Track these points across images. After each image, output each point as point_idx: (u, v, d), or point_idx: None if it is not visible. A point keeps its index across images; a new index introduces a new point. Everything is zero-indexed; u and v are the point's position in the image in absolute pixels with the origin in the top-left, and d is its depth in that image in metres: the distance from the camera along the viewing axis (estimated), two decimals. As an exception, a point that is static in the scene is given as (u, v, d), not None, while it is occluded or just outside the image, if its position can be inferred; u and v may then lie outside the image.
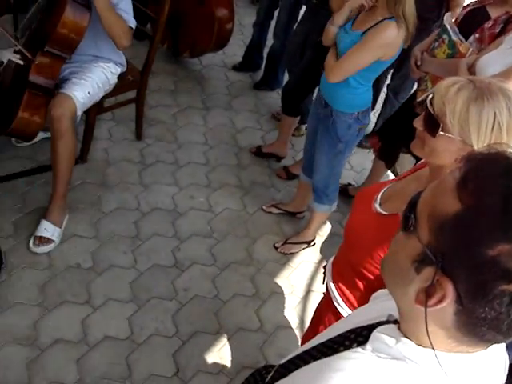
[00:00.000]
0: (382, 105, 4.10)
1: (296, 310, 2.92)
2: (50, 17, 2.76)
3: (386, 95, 4.00)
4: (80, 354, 2.49)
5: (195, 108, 4.18)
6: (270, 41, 4.39)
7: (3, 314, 2.58)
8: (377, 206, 1.58)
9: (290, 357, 1.16)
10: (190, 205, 3.37)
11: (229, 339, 2.70)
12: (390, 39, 2.37)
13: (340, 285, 1.77)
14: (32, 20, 2.82)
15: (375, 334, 0.96)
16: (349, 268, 1.69)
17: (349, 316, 1.47)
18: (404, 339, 0.91)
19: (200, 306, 2.82)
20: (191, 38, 4.31)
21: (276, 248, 3.22)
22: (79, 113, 2.90)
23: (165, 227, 3.19)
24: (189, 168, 3.64)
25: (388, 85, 3.99)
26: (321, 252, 3.29)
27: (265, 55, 4.52)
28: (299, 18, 3.80)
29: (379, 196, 1.61)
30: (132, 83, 3.44)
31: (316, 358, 1.03)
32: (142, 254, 3.00)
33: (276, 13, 4.24)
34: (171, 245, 3.10)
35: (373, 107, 3.72)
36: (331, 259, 1.90)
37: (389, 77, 3.90)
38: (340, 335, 1.04)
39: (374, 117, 4.10)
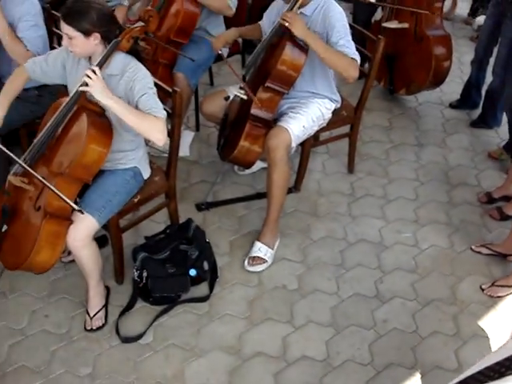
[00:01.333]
0: None
1: (499, 355, 2.79)
2: (272, 56, 3.04)
3: None
4: (278, 368, 2.65)
5: (408, 144, 4.21)
6: (488, 78, 4.28)
7: (213, 322, 2.85)
8: None
9: (455, 381, 1.17)
10: (396, 239, 3.40)
11: (423, 376, 2.66)
12: None
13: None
14: (256, 58, 3.11)
15: None
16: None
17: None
18: None
19: (397, 339, 2.82)
20: (408, 76, 4.36)
21: (482, 290, 3.11)
22: (294, 144, 3.12)
23: (369, 258, 3.26)
24: (398, 203, 3.67)
25: None
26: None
27: (483, 92, 4.41)
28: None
29: None
30: (346, 118, 3.59)
31: (482, 382, 1.04)
32: (345, 282, 3.10)
33: (495, 49, 4.13)
34: (374, 276, 3.15)
35: None
36: None
37: None
38: (507, 359, 1.04)
39: None
